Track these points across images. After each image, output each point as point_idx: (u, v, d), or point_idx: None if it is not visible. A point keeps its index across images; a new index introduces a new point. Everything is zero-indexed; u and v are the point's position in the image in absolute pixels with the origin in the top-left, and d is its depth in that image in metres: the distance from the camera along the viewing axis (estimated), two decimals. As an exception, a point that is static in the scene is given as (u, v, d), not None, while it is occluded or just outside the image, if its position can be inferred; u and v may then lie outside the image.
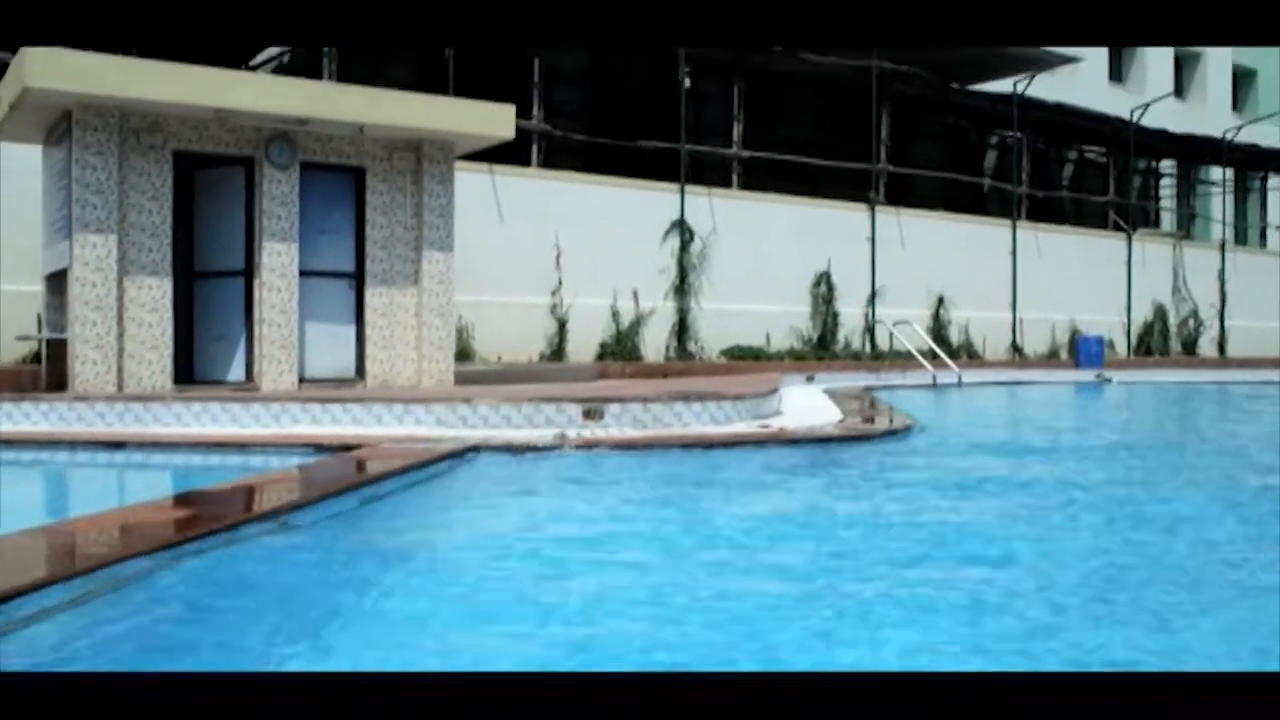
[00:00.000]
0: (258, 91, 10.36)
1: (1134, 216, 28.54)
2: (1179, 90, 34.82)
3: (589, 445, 7.21)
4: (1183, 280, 25.18)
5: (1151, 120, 27.13)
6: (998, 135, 26.43)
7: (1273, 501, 6.17)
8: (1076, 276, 23.08)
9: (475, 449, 6.92)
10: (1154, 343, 24.32)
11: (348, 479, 5.53)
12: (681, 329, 17.35)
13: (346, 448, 6.80)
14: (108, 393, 9.76)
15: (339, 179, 11.43)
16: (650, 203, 17.38)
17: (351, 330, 11.58)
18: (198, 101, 10.13)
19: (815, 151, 21.95)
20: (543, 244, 16.16)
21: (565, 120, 21.01)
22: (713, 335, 17.66)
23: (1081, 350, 20.63)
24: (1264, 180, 33.10)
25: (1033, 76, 23.61)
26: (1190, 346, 25.11)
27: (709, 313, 17.64)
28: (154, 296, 10.43)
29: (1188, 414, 13.94)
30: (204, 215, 11.22)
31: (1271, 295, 27.15)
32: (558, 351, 16.11)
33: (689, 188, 17.83)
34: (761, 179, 20.24)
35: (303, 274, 11.14)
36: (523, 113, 17.35)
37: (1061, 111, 24.53)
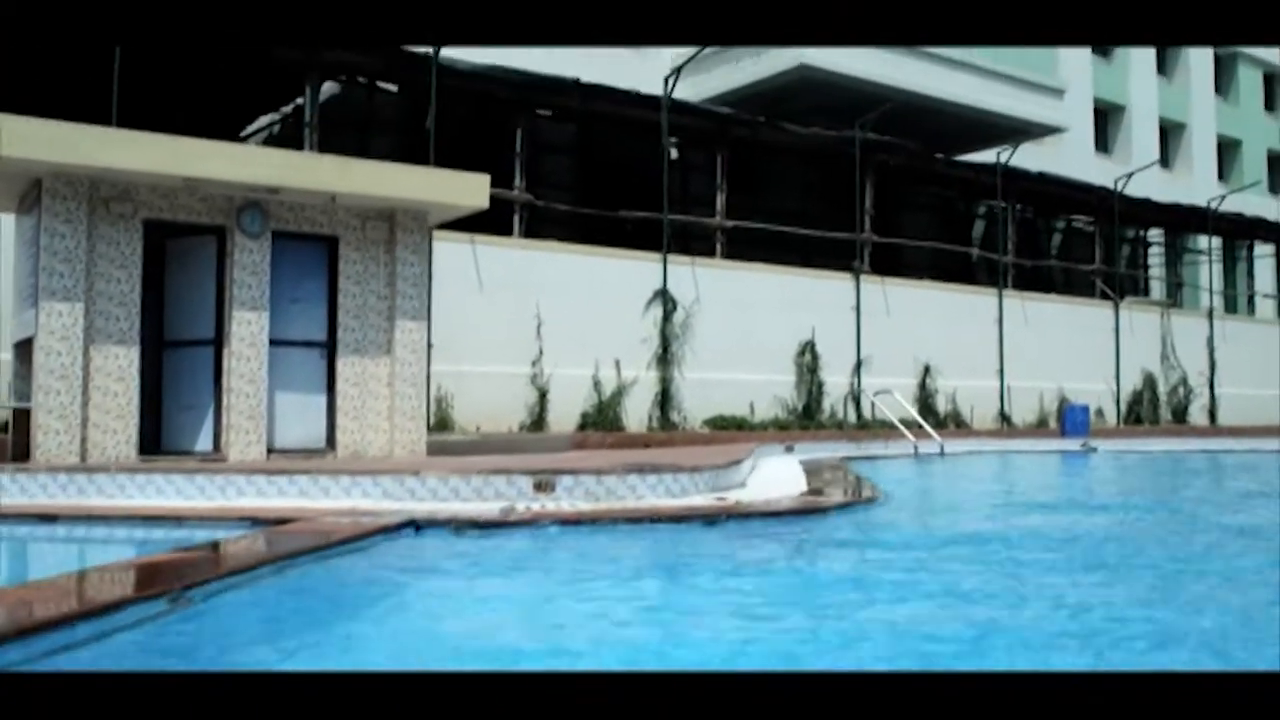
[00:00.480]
0: (228, 161, 10.35)
1: (1123, 285, 28.62)
2: (1165, 160, 35.19)
3: (533, 520, 7.03)
4: (1171, 348, 25.13)
5: (1140, 190, 27.33)
6: (985, 205, 26.61)
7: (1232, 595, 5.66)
8: (1064, 345, 23.04)
9: (413, 523, 6.73)
10: (1144, 411, 24.20)
11: (257, 556, 5.36)
12: (664, 399, 17.23)
13: (281, 521, 6.63)
14: (69, 463, 9.62)
15: (311, 248, 11.40)
16: (633, 272, 17.37)
17: (323, 400, 11.46)
18: (168, 170, 10.13)
19: (804, 222, 22.05)
20: (524, 313, 16.11)
21: (552, 190, 21.14)
22: (696, 405, 17.54)
23: (1067, 419, 20.50)
24: (1249, 248, 33.26)
25: (1016, 146, 23.82)
26: (1181, 415, 24.99)
27: (692, 382, 17.54)
28: (120, 365, 10.33)
29: (1167, 486, 13.74)
30: (175, 284, 11.16)
31: (1261, 362, 27.10)
32: (538, 422, 15.97)
33: (672, 257, 17.83)
34: (749, 249, 20.29)
35: (273, 343, 11.05)
36: (505, 183, 17.48)
37: (1045, 181, 24.69)
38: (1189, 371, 25.40)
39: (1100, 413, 23.50)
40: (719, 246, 19.28)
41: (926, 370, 20.53)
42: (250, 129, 21.07)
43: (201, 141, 10.32)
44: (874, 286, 20.26)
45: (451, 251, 15.60)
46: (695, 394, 17.52)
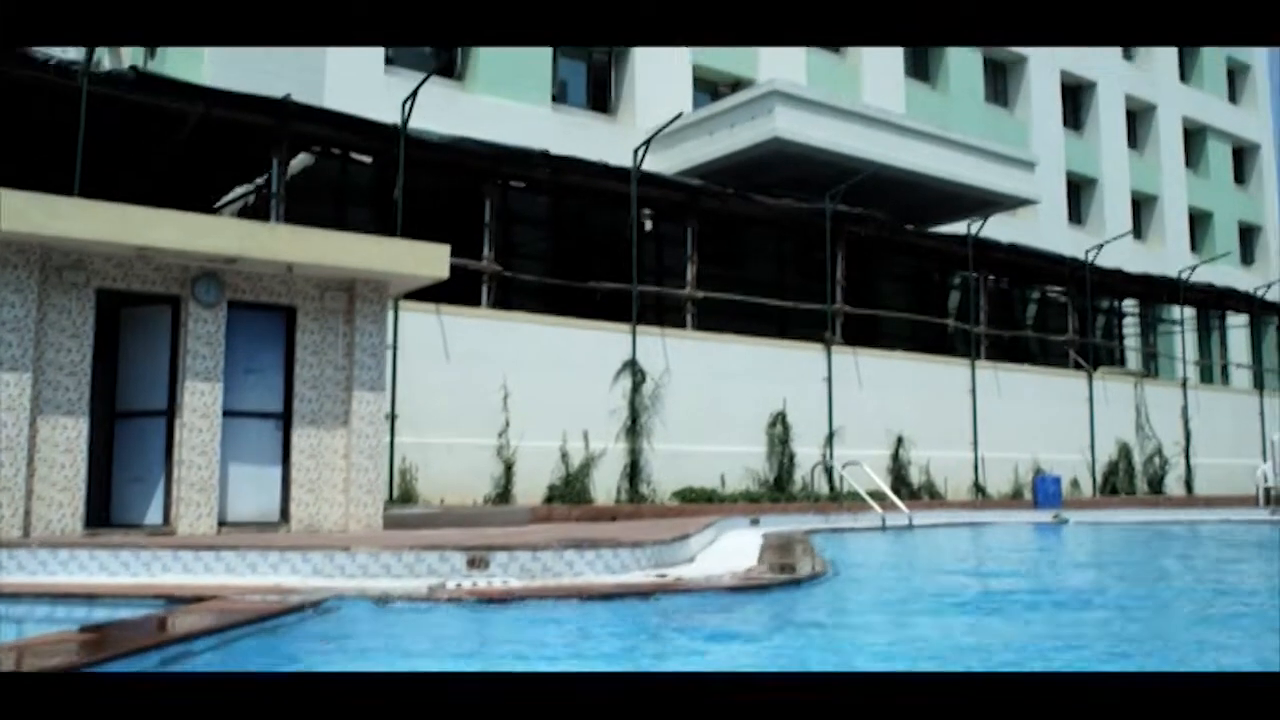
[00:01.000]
0: (182, 230, 10.28)
1: (1098, 355, 28.71)
2: (1138, 232, 35.55)
3: (460, 598, 6.82)
4: (1146, 418, 25.13)
5: (1114, 262, 27.55)
6: (960, 276, 26.75)
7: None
8: (1039, 415, 23.00)
9: (332, 601, 6.51)
10: (1119, 481, 24.11)
11: (149, 638, 5.16)
12: (633, 471, 17.07)
13: (198, 599, 6.42)
14: (12, 536, 9.40)
15: (268, 318, 11.30)
16: (602, 343, 17.31)
17: (277, 472, 11.28)
18: (121, 240, 10.06)
19: (780, 293, 22.12)
20: (491, 384, 16.00)
21: (526, 261, 21.18)
22: (665, 477, 17.38)
23: (1039, 490, 20.37)
24: (1221, 318, 33.47)
25: (985, 218, 23.99)
26: (1157, 485, 24.90)
27: (662, 454, 17.40)
28: (68, 436, 10.15)
29: (1134, 559, 13.57)
30: (128, 353, 11.03)
31: (1236, 432, 27.11)
32: (504, 494, 15.78)
33: (642, 328, 17.79)
34: (725, 320, 20.29)
35: (227, 414, 10.90)
36: (474, 253, 17.49)
37: (1017, 252, 24.87)
38: (1164, 441, 25.37)
39: (1076, 483, 23.41)
40: (689, 318, 19.26)
41: (900, 441, 20.44)
42: (225, 200, 21.08)
43: (155, 210, 10.27)
44: (846, 357, 20.24)
45: (418, 322, 15.54)
46: (665, 466, 17.37)
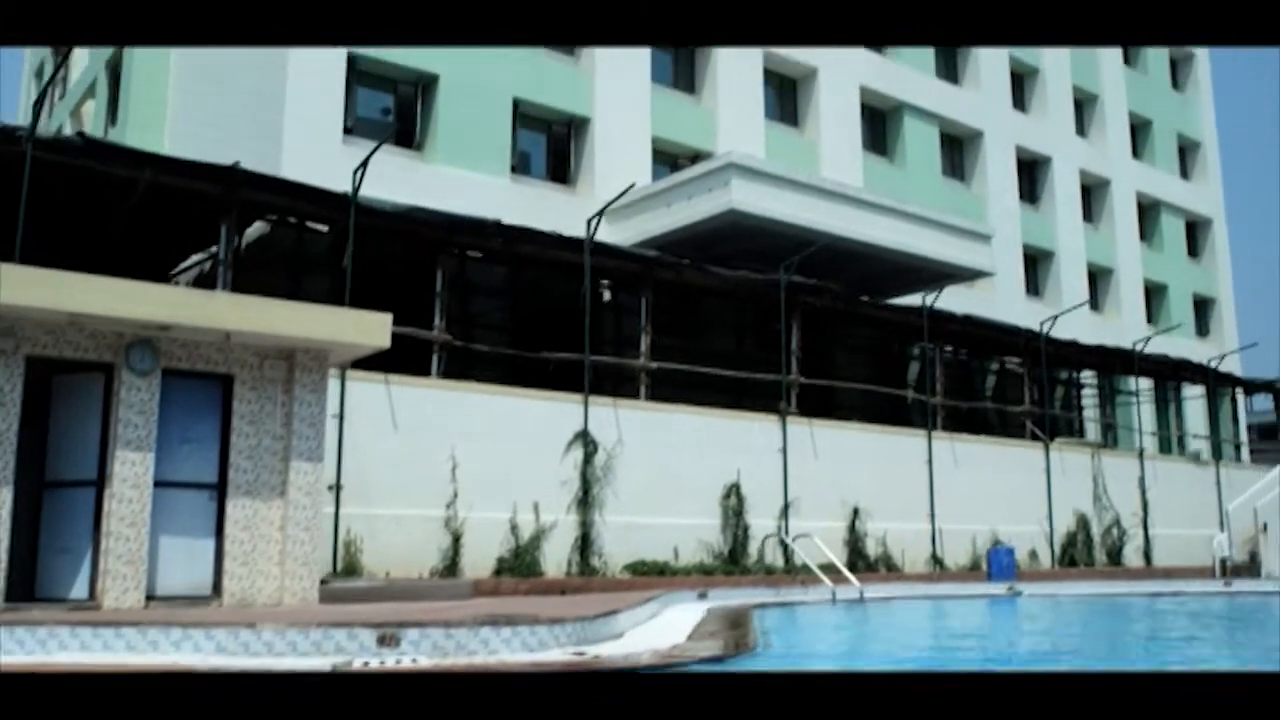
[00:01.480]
0: (116, 297, 10.15)
1: (1057, 426, 28.82)
2: (1095, 304, 35.98)
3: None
4: (1103, 489, 25.15)
5: (1072, 333, 27.79)
6: (919, 347, 26.89)
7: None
8: (996, 487, 22.98)
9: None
10: (1078, 553, 24.04)
11: None
12: (584, 543, 16.84)
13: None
14: (-74, 613, 9.10)
15: (205, 386, 11.15)
16: (554, 413, 17.18)
17: (210, 544, 11.05)
18: (53, 306, 9.92)
19: (738, 363, 22.09)
20: (440, 455, 15.80)
21: (483, 331, 21.11)
22: (617, 549, 17.15)
23: (993, 562, 20.26)
24: (1177, 389, 33.79)
25: (940, 290, 24.18)
26: (1116, 556, 24.85)
27: (614, 526, 17.19)
28: (-9, 508, 9.90)
29: (1082, 632, 13.44)
30: (59, 422, 10.82)
31: (1194, 503, 27.19)
32: (451, 566, 15.50)
33: (594, 398, 17.69)
34: (683, 391, 20.22)
35: (159, 484, 10.69)
36: (430, 323, 17.40)
37: (972, 324, 25.03)
38: (1122, 512, 25.38)
39: (1035, 555, 23.33)
40: (643, 388, 19.18)
41: (856, 513, 20.32)
42: (181, 267, 20.96)
43: (87, 277, 10.14)
44: (801, 428, 20.18)
45: (366, 392, 15.37)
46: (617, 538, 17.16)
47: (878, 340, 27.58)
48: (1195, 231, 41.54)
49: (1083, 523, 24.52)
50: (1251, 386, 34.11)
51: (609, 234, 22.61)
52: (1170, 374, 31.33)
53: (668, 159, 25.98)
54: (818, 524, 19.22)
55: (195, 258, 20.75)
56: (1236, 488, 27.18)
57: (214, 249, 20.45)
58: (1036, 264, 34.92)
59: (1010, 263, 32.60)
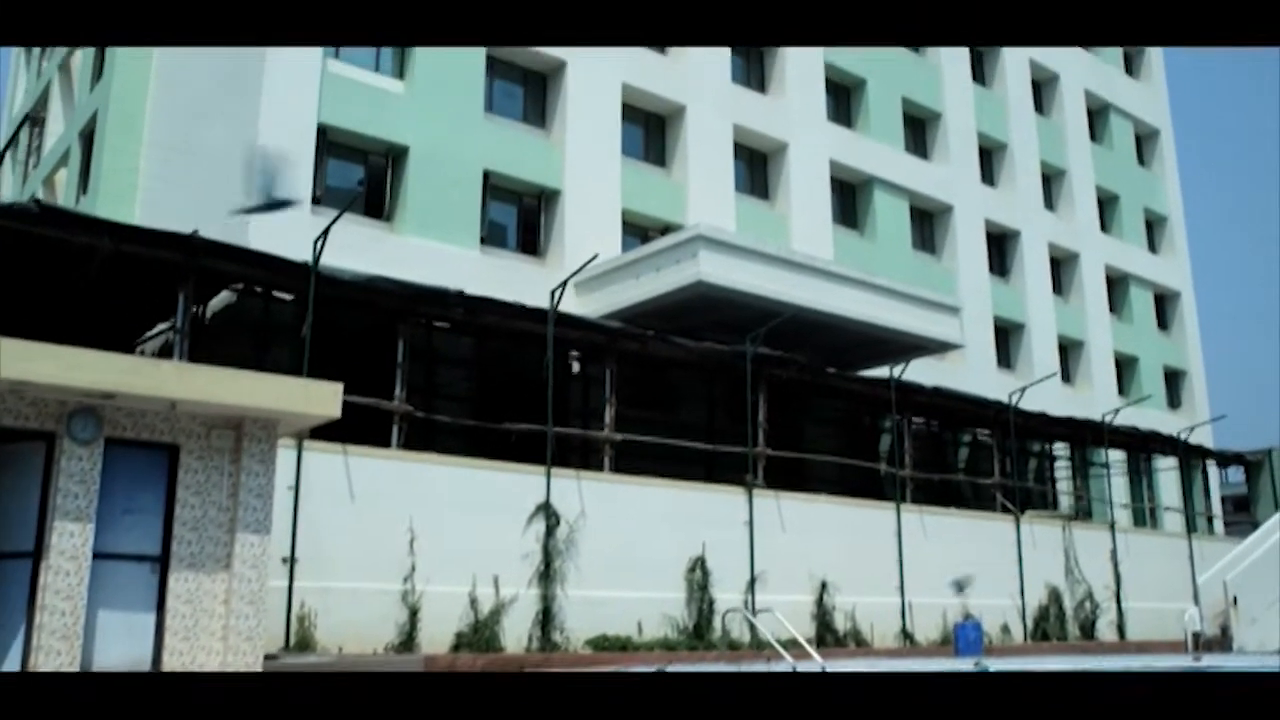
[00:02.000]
0: (59, 364, 10.01)
1: (1031, 498, 28.76)
2: (1067, 376, 36.15)
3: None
4: (1075, 562, 25.01)
5: (1044, 405, 27.86)
6: (890, 419, 26.87)
7: None
8: (967, 560, 22.79)
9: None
10: (1050, 627, 23.82)
11: None
12: (545, 618, 16.55)
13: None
14: None
15: (149, 456, 10.96)
16: (515, 485, 16.99)
17: (150, 619, 10.77)
18: (-8, 375, 9.76)
19: (709, 435, 22.01)
20: (398, 527, 15.57)
21: (449, 402, 20.96)
22: (580, 624, 16.87)
23: (960, 637, 20.00)
24: (1147, 460, 33.81)
25: (907, 362, 24.24)
26: (1089, 629, 24.63)
27: (576, 600, 16.92)
28: (-79, 582, 9.64)
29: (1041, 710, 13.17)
30: (-2, 493, 10.60)
31: (1167, 576, 27.05)
32: (408, 641, 15.19)
33: (557, 470, 17.52)
34: (651, 463, 20.07)
35: (99, 556, 10.45)
36: (390, 393, 17.27)
37: (941, 395, 25.06)
38: (1095, 585, 25.21)
39: (1007, 629, 23.09)
40: (607, 460, 19.03)
41: (824, 586, 20.09)
42: (145, 337, 20.82)
43: (29, 343, 10.00)
44: (768, 500, 20.03)
45: (323, 462, 15.18)
46: (579, 612, 16.87)
47: (849, 412, 27.56)
48: (1164, 304, 41.95)
49: (1055, 596, 24.34)
50: (1222, 458, 34.20)
51: (578, 305, 22.62)
52: (1141, 446, 31.39)
53: (638, 231, 26.11)
54: (785, 597, 18.99)
55: (161, 326, 20.64)
56: (1209, 560, 27.05)
57: (177, 318, 20.49)
58: (1008, 336, 35.10)
59: (981, 335, 32.78)
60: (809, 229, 29.09)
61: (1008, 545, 23.92)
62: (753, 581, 19.12)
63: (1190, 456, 32.14)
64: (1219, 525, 36.22)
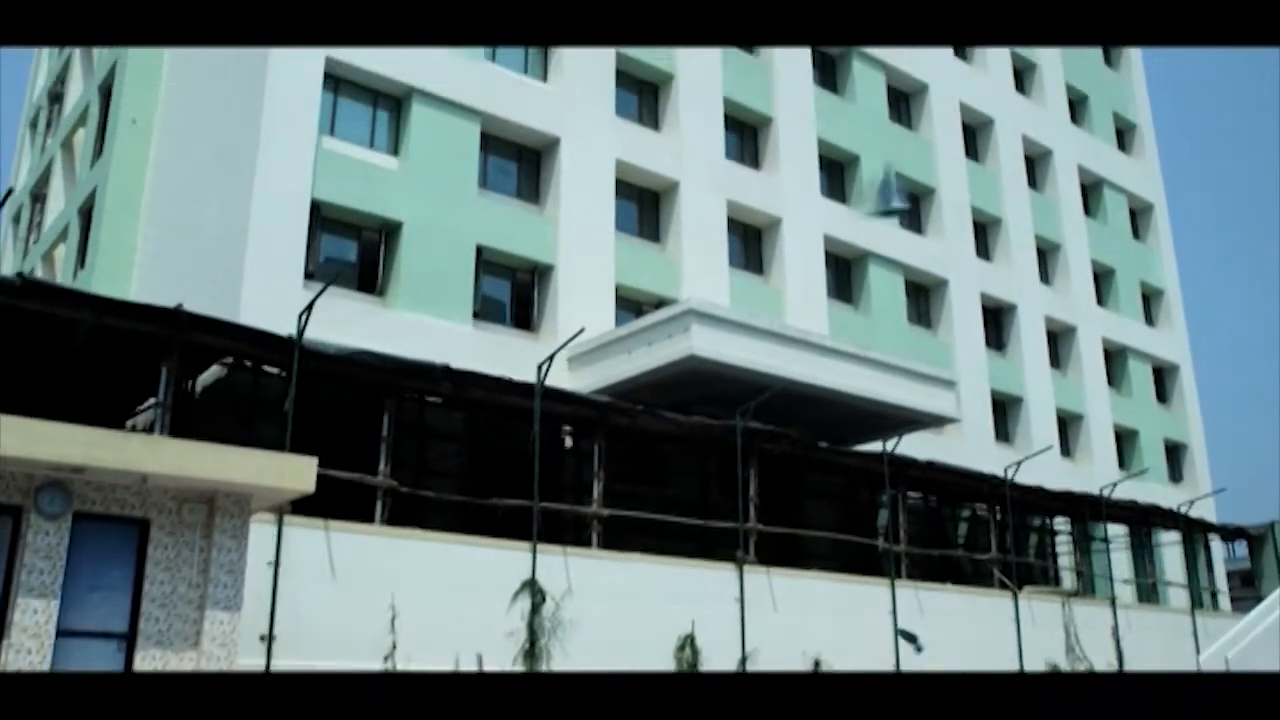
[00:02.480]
0: (25, 437, 9.93)
1: (1034, 574, 28.38)
2: (1066, 450, 35.92)
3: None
4: (1076, 639, 24.58)
5: (1043, 479, 27.60)
6: (888, 494, 26.63)
7: None
8: (965, 636, 22.41)
9: None
10: (1051, 707, 23.29)
11: None
12: (530, 695, 16.21)
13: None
14: None
15: (119, 531, 10.83)
16: (500, 562, 16.77)
17: (116, 698, 10.54)
18: (-41, 449, 9.70)
19: (703, 511, 21.78)
20: (379, 604, 15.33)
21: (439, 477, 20.80)
22: (565, 702, 16.50)
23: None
24: (1147, 535, 33.44)
25: (900, 437, 24.10)
26: (1091, 711, 24.10)
27: (562, 677, 16.60)
28: (-120, 660, 9.47)
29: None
30: (-37, 570, 10.45)
31: (1171, 652, 26.56)
32: (387, 721, 14.86)
33: (544, 546, 17.30)
34: (643, 539, 19.83)
35: (64, 634, 10.27)
36: (374, 468, 17.14)
37: (935, 469, 24.85)
38: (1096, 663, 24.74)
39: (1006, 709, 22.59)
40: (595, 536, 18.82)
41: (817, 664, 19.72)
42: (139, 411, 20.78)
43: (-3, 418, 9.95)
44: (759, 577, 19.76)
45: (304, 538, 15.01)
46: (564, 690, 16.52)
47: (845, 486, 27.32)
48: (1163, 377, 41.84)
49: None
50: (1225, 532, 33.81)
51: (571, 380, 22.57)
52: (1141, 520, 31.06)
53: (632, 306, 26.15)
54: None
55: (152, 401, 20.61)
56: (1214, 636, 26.63)
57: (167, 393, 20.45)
58: (1006, 410, 34.96)
59: (979, 409, 32.64)
60: (804, 304, 29.13)
61: (1006, 622, 23.53)
62: (744, 659, 18.78)
63: (1192, 530, 31.77)
64: (1224, 601, 35.69)
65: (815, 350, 23.61)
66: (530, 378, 18.83)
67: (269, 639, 14.25)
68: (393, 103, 23.66)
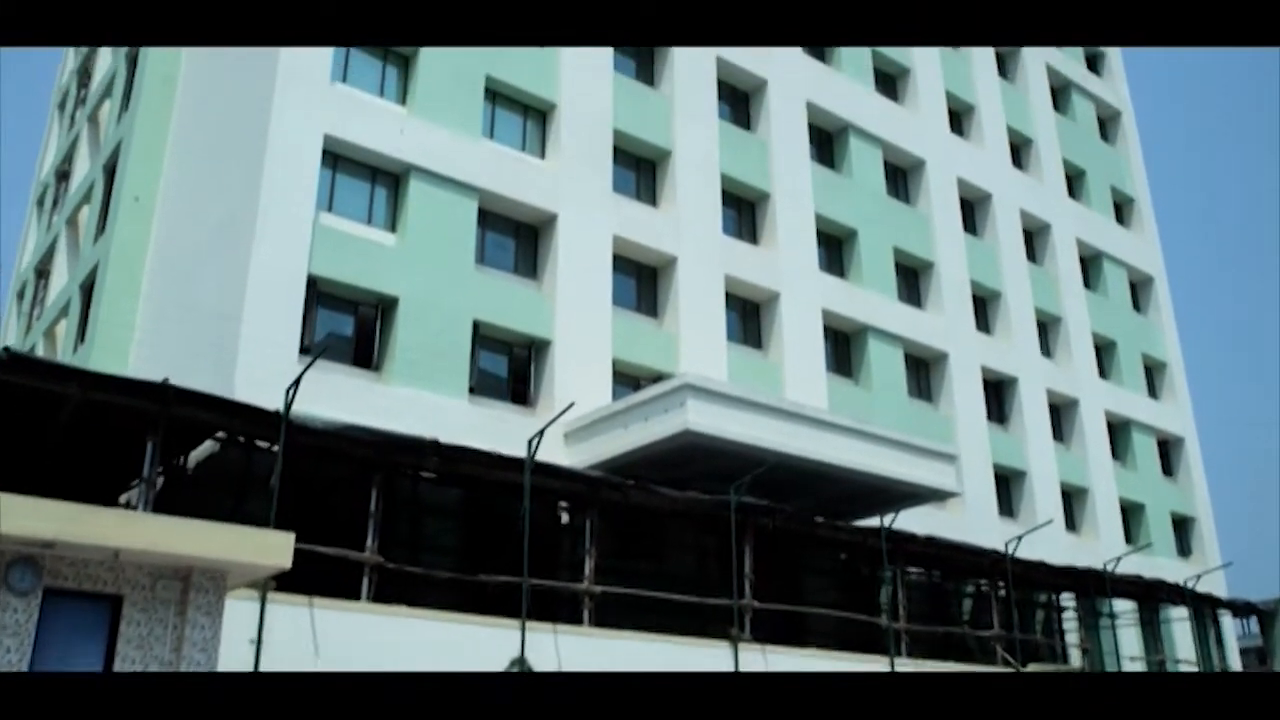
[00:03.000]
0: (-4, 514, 9.85)
1: (1040, 651, 27.87)
2: (1071, 525, 35.52)
3: None
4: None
5: (1049, 554, 27.26)
6: (890, 570, 26.30)
7: None
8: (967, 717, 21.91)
9: None
10: (1058, 790, 22.71)
11: None
12: (517, 777, 15.85)
13: None
14: None
15: (91, 607, 10.67)
16: (489, 639, 16.54)
17: (82, 780, 10.30)
18: (-71, 525, 9.61)
19: (699, 586, 21.50)
20: (364, 682, 15.07)
21: (433, 554, 20.59)
22: (554, 784, 16.14)
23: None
24: (1155, 611, 32.90)
25: (897, 512, 23.84)
26: (1100, 794, 23.48)
27: (550, 758, 16.23)
28: None
29: None
30: (-68, 648, 10.30)
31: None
32: (370, 804, 14.52)
33: (533, 624, 17.07)
34: (640, 615, 19.57)
35: (31, 715, 10.06)
36: (362, 544, 16.98)
37: (935, 545, 24.57)
38: (1104, 745, 24.16)
39: (1012, 792, 22.03)
40: (587, 613, 18.56)
41: (814, 745, 19.28)
42: (133, 485, 20.69)
43: (-36, 493, 9.88)
44: (754, 655, 19.43)
45: (286, 615, 14.83)
46: (553, 772, 16.16)
47: (846, 562, 27.00)
48: (1168, 450, 41.53)
49: (1062, 756, 23.31)
50: (1234, 608, 33.27)
51: (568, 455, 22.43)
52: (1148, 595, 30.58)
53: (630, 380, 26.10)
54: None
55: (134, 484, 20.56)
56: (1224, 718, 26.01)
57: (159, 469, 20.37)
58: (1009, 484, 34.65)
59: (981, 483, 32.36)
60: (803, 378, 29.05)
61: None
62: (738, 740, 18.36)
63: (1201, 606, 31.24)
64: (1237, 680, 34.95)
65: (812, 424, 23.46)
66: (526, 454, 18.73)
67: (249, 719, 13.97)
68: (391, 179, 23.88)
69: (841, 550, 25.41)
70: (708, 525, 22.81)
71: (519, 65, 26.21)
